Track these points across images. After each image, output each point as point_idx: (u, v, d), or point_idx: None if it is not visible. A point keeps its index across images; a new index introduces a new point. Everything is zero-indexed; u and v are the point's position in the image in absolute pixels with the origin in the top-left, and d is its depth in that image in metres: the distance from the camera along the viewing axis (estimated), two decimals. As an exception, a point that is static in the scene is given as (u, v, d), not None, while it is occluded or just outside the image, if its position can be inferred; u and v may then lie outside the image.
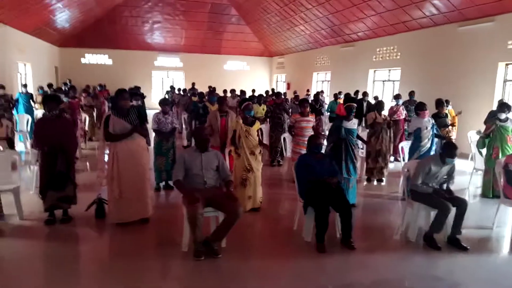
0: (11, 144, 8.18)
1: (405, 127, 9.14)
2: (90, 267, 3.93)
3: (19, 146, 9.39)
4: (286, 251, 4.32)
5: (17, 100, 10.32)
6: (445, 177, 4.64)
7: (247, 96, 12.49)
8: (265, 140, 8.57)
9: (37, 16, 14.35)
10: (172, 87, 18.03)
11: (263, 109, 10.30)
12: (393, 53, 13.35)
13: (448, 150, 4.42)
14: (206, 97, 9.60)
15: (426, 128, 5.98)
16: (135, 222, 4.73)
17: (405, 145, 6.72)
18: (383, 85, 14.54)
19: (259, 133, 5.63)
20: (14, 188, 4.88)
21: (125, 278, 3.58)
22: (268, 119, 9.35)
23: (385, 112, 7.53)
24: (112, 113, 4.67)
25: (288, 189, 6.71)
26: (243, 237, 4.64)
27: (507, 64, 9.58)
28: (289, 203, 5.91)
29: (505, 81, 9.65)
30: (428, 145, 5.99)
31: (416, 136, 6.05)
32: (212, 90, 13.60)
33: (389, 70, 14.04)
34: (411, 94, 10.02)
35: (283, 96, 10.52)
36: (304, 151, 6.55)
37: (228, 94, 13.90)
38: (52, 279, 3.64)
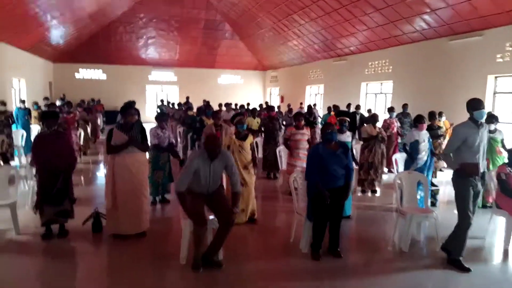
0: (5, 159, 8.19)
1: (399, 140, 9.29)
2: (87, 281, 3.91)
3: (16, 161, 9.39)
4: (284, 263, 4.33)
5: (15, 116, 10.31)
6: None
7: (245, 109, 12.61)
8: (260, 153, 8.67)
9: (33, 33, 14.44)
10: (162, 101, 18.12)
11: (257, 122, 10.40)
12: (385, 67, 13.59)
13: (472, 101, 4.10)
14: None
15: (424, 140, 5.98)
16: (132, 236, 4.74)
17: (399, 157, 6.82)
18: (376, 97, 14.75)
19: (254, 147, 5.69)
20: (11, 203, 4.88)
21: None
22: (261, 133, 9.44)
23: (379, 125, 7.64)
24: (115, 126, 4.75)
25: (283, 201, 6.76)
26: (240, 249, 4.68)
27: (496, 77, 9.80)
28: (285, 216, 5.95)
29: (494, 93, 9.86)
30: (425, 158, 5.97)
31: (413, 149, 5.98)
32: (207, 104, 13.71)
33: (381, 83, 14.27)
34: (405, 106, 10.19)
35: (276, 110, 10.64)
36: (299, 163, 6.65)
37: (223, 108, 14.00)
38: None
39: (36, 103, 12.26)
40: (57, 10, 13.63)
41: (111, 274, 4.08)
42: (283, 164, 7.53)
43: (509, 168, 4.96)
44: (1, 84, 13.12)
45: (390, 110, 9.57)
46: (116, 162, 4.66)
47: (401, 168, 6.51)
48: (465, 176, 4.08)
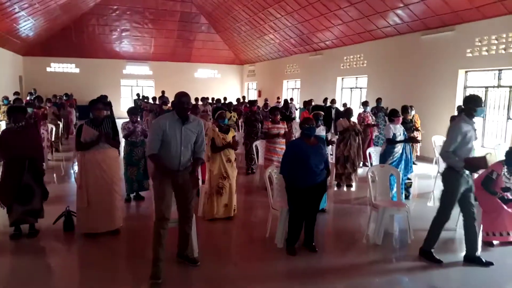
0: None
1: (375, 133, 9.43)
2: (58, 281, 3.83)
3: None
4: (260, 258, 4.35)
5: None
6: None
7: (219, 105, 12.51)
8: (240, 148, 8.63)
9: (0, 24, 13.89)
10: (138, 95, 17.82)
11: (234, 117, 10.35)
12: (360, 61, 13.75)
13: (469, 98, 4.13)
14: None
15: (400, 134, 6.14)
16: (105, 234, 4.65)
17: (373, 151, 6.92)
18: (351, 92, 14.92)
19: (233, 140, 5.66)
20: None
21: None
22: (241, 127, 9.41)
23: (353, 119, 7.74)
24: (85, 122, 4.63)
25: (260, 196, 6.75)
26: (216, 244, 4.68)
27: (466, 71, 10.06)
28: (262, 211, 5.95)
29: (465, 87, 10.11)
30: (401, 150, 6.12)
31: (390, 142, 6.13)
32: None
33: (356, 77, 14.44)
34: (378, 100, 10.35)
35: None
36: (275, 158, 6.66)
37: (200, 102, 13.88)
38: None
39: (6, 98, 11.82)
40: (26, 1, 13.13)
41: (83, 272, 4.00)
42: (260, 158, 7.53)
43: (506, 167, 4.80)
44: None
45: (364, 104, 9.70)
46: (87, 158, 4.55)
47: (375, 162, 6.60)
48: (473, 171, 4.13)
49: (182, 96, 3.68)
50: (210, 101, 14.58)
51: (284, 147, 6.91)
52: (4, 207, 4.56)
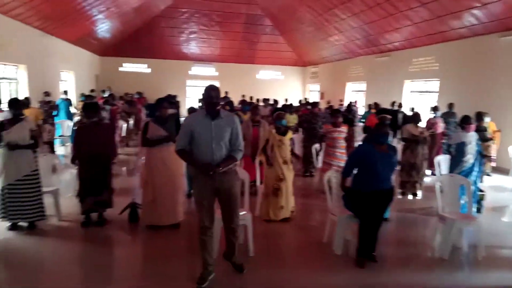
0: (51, 148, 8.60)
1: (443, 141, 8.87)
2: (121, 268, 4.06)
3: (60, 150, 9.84)
4: (316, 264, 4.24)
5: (58, 106, 10.80)
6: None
7: (279, 106, 12.51)
8: (299, 150, 8.54)
9: (80, 27, 15.03)
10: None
11: (294, 119, 10.27)
12: (431, 64, 13.01)
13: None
14: (240, 106, 9.71)
15: (471, 142, 5.61)
16: (166, 227, 4.85)
17: (442, 159, 6.51)
18: (420, 96, 14.17)
19: (291, 143, 5.62)
20: (54, 190, 5.12)
21: (153, 280, 3.68)
22: (301, 129, 9.31)
23: (422, 125, 7.32)
24: (151, 120, 4.85)
25: (319, 200, 6.64)
26: (271, 246, 4.64)
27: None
28: (320, 215, 5.85)
29: (550, 93, 9.18)
30: (471, 160, 5.60)
31: (459, 151, 5.62)
32: (243, 99, 13.74)
33: (426, 81, 13.68)
34: (450, 106, 9.71)
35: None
36: (335, 163, 6.50)
37: (261, 104, 13.99)
38: (85, 279, 3.78)
39: (83, 95, 12.78)
40: (103, 5, 14.10)
41: (144, 262, 4.18)
42: (319, 162, 7.40)
43: None
44: (52, 76, 13.80)
45: (434, 109, 9.16)
46: (152, 154, 4.77)
47: (444, 171, 6.20)
48: None
49: (210, 90, 3.40)
50: (271, 102, 14.63)
51: (344, 151, 6.74)
52: (79, 197, 4.91)
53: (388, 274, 4.03)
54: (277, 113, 5.66)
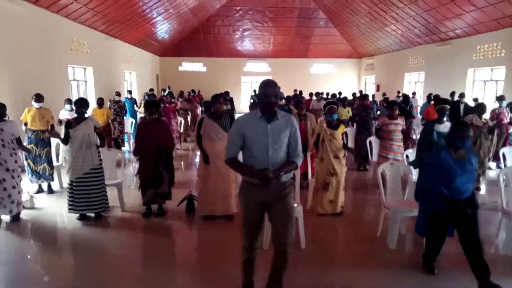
0: (117, 144, 9.21)
1: (510, 131, 8.30)
2: (176, 256, 4.32)
3: (124, 146, 10.50)
4: (371, 260, 4.14)
5: (124, 105, 11.54)
6: None
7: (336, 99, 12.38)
8: (351, 144, 8.43)
9: (141, 29, 15.86)
10: (255, 91, 18.54)
11: (348, 112, 10.11)
12: (497, 51, 12.14)
13: None
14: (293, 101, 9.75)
15: None
16: (221, 218, 5.08)
17: (507, 151, 6.12)
18: (484, 85, 13.29)
19: (344, 137, 5.57)
20: (117, 183, 5.53)
21: (205, 269, 3.89)
22: (353, 122, 9.16)
23: (486, 115, 6.90)
24: (207, 116, 5.07)
25: (372, 194, 6.53)
26: (323, 241, 4.67)
27: None
28: (373, 209, 5.77)
29: None
30: None
31: None
32: (295, 94, 13.78)
33: (492, 69, 12.79)
34: (518, 95, 9.05)
35: (370, 98, 10.21)
36: (391, 156, 6.35)
37: (313, 98, 13.92)
38: (145, 265, 4.05)
39: (147, 94, 13.53)
40: (162, 7, 14.75)
41: (198, 251, 4.43)
42: (374, 155, 7.26)
43: None
44: (116, 76, 14.74)
45: (500, 98, 8.56)
46: (207, 150, 5.00)
47: (509, 163, 5.83)
48: None
49: (267, 86, 2.81)
50: (324, 96, 14.50)
51: (401, 144, 6.55)
52: (140, 189, 5.27)
53: (446, 273, 3.89)
54: (329, 106, 5.61)
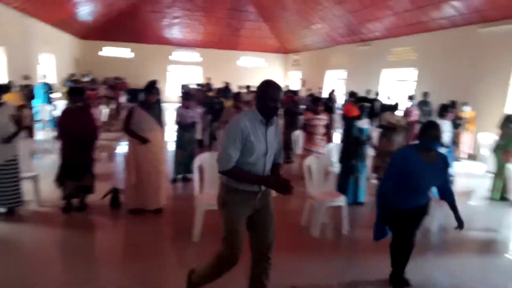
0: (30, 133, 8.49)
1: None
2: (102, 253, 4.09)
3: (39, 135, 9.72)
4: (294, 246, 4.38)
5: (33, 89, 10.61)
6: None
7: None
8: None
9: (61, 8, 14.68)
10: (185, 85, 18.23)
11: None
12: (409, 53, 13.26)
13: None
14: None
15: (445, 131, 5.90)
16: (148, 212, 4.93)
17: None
18: (397, 85, 14.47)
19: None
20: (33, 175, 5.11)
21: (135, 266, 3.74)
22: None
23: (399, 113, 7.53)
24: (138, 105, 4.87)
25: (297, 186, 6.76)
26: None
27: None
28: (298, 200, 6.01)
29: (523, 84, 9.54)
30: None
31: None
32: (226, 86, 13.79)
33: (404, 70, 13.97)
34: (426, 95, 9.98)
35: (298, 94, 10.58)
36: (315, 149, 6.67)
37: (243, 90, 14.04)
38: (66, 264, 3.82)
39: (69, 79, 12.61)
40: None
41: (126, 247, 4.25)
42: (299, 148, 7.56)
43: None
44: (28, 59, 13.49)
45: (410, 98, 9.40)
46: (137, 140, 4.80)
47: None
48: None
49: (274, 89, 2.61)
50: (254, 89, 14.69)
51: (323, 138, 6.91)
52: (58, 181, 4.90)
53: (366, 255, 4.22)
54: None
